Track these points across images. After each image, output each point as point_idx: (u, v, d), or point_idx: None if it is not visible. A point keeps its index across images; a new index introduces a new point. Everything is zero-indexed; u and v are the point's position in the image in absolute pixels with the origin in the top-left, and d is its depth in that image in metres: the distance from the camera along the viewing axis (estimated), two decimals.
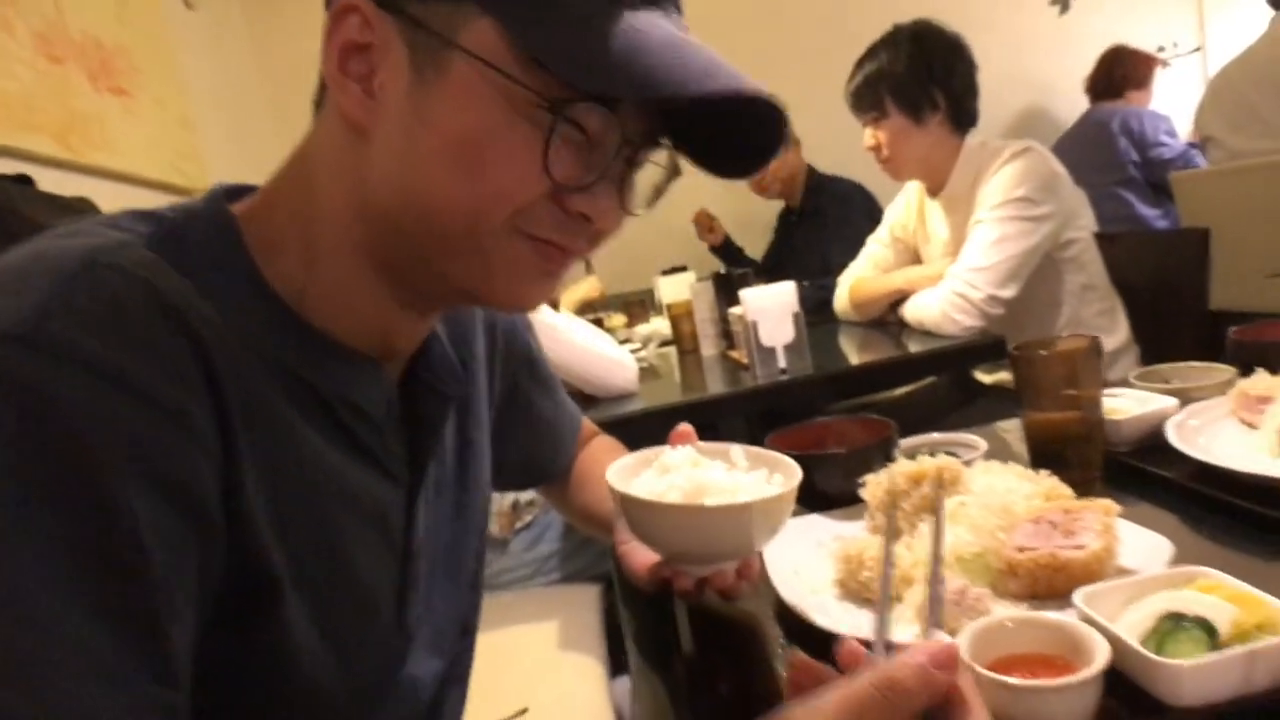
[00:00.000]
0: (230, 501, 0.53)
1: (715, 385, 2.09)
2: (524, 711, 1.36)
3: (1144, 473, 0.95)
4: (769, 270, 3.36)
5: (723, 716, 0.72)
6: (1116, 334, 2.07)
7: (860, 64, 2.15)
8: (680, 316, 2.51)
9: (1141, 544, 0.72)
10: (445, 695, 0.80)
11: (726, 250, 3.74)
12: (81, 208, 1.61)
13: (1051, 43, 4.19)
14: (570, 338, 1.93)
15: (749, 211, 3.78)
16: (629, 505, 0.75)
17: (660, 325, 2.91)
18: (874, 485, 0.87)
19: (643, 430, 1.82)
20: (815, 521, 0.94)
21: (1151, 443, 1.00)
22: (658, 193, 0.69)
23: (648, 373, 2.36)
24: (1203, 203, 2.91)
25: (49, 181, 1.57)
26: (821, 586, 0.79)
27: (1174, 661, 0.52)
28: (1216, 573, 0.60)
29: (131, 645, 0.45)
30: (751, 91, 0.58)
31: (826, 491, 0.96)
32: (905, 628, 0.69)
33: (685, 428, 0.85)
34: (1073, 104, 3.89)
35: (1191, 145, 3.42)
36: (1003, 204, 1.95)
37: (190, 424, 0.50)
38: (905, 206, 2.38)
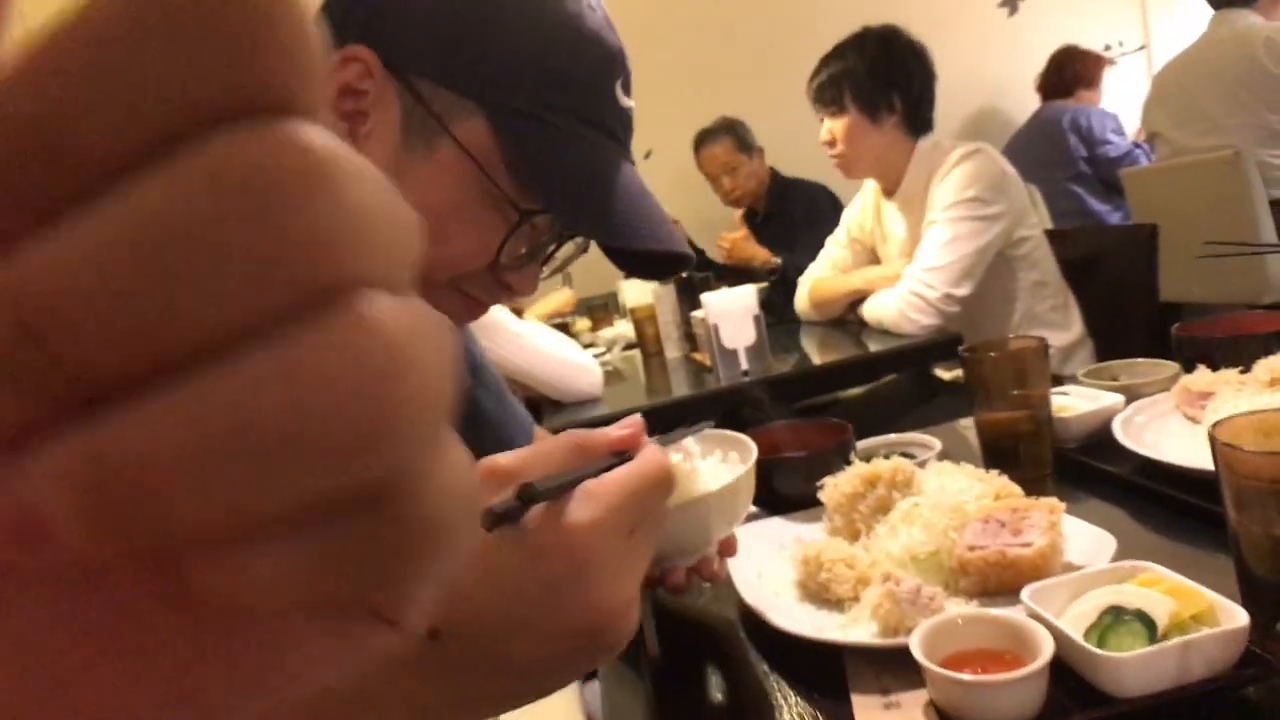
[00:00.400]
0: None
1: (680, 387, 2.11)
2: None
3: (1091, 469, 0.98)
4: (731, 271, 3.38)
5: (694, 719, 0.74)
6: (1071, 329, 2.12)
7: (825, 61, 2.19)
8: (644, 320, 2.52)
9: (1087, 540, 0.75)
10: None
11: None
12: None
13: (1002, 44, 4.27)
14: (534, 344, 1.93)
15: (710, 214, 3.80)
16: None
17: (624, 329, 2.92)
18: (832, 488, 0.89)
19: None
20: (776, 524, 0.95)
21: (1099, 439, 1.02)
22: (565, 263, 0.81)
23: (613, 376, 2.37)
24: (1151, 198, 2.99)
25: None
26: (783, 589, 0.81)
27: (1114, 654, 0.55)
28: (1156, 566, 0.63)
29: None
30: (681, 254, 0.73)
31: (787, 494, 0.98)
32: (864, 627, 0.71)
33: (634, 419, 0.87)
34: (1024, 103, 3.97)
35: (1137, 145, 3.51)
36: (954, 204, 1.99)
37: None
38: (862, 207, 2.41)
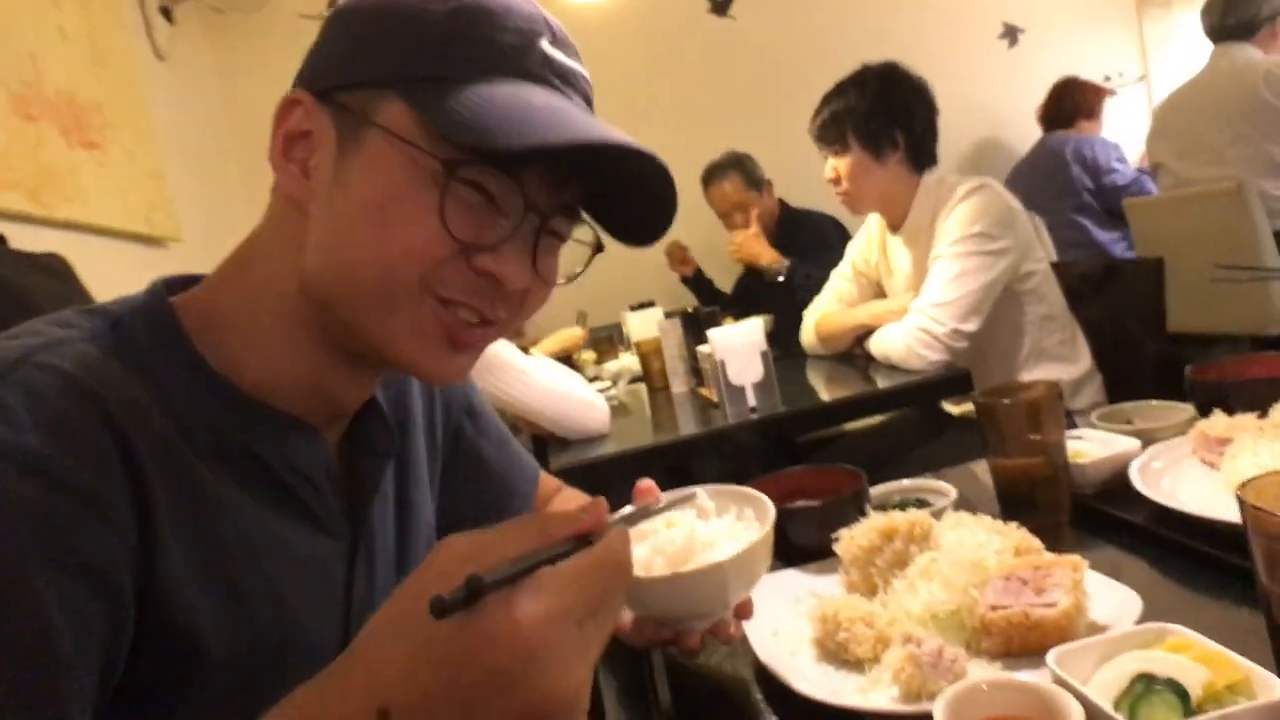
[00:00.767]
0: (146, 581, 0.56)
1: (686, 423, 2.10)
2: None
3: (1110, 517, 0.96)
4: (738, 303, 3.37)
5: None
6: (1079, 362, 2.11)
7: (827, 99, 2.20)
8: (649, 354, 2.51)
9: (1111, 599, 0.73)
10: None
11: (698, 282, 3.75)
12: (53, 264, 1.59)
13: (1002, 75, 4.30)
14: (540, 380, 1.92)
15: (719, 244, 3.81)
16: None
17: (629, 361, 2.91)
18: (847, 541, 0.88)
19: (616, 473, 1.81)
20: (790, 577, 0.94)
21: (1116, 485, 1.01)
22: (582, 269, 0.77)
23: (618, 411, 2.36)
24: (1155, 228, 2.99)
25: (22, 238, 1.57)
26: (800, 647, 0.79)
27: None
28: (1186, 630, 0.61)
29: None
30: (620, 141, 0.64)
31: (800, 544, 0.96)
32: (884, 691, 0.69)
33: (646, 484, 0.86)
34: (1025, 133, 3.99)
35: (1142, 171, 3.52)
36: (961, 239, 1.99)
37: (102, 505, 0.54)
38: (867, 241, 2.41)
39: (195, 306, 0.68)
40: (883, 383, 2.04)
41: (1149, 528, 0.91)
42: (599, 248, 0.75)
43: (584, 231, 0.74)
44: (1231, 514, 0.83)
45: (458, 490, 0.99)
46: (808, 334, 2.47)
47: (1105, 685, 0.60)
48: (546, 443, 2.02)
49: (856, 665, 0.74)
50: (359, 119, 0.64)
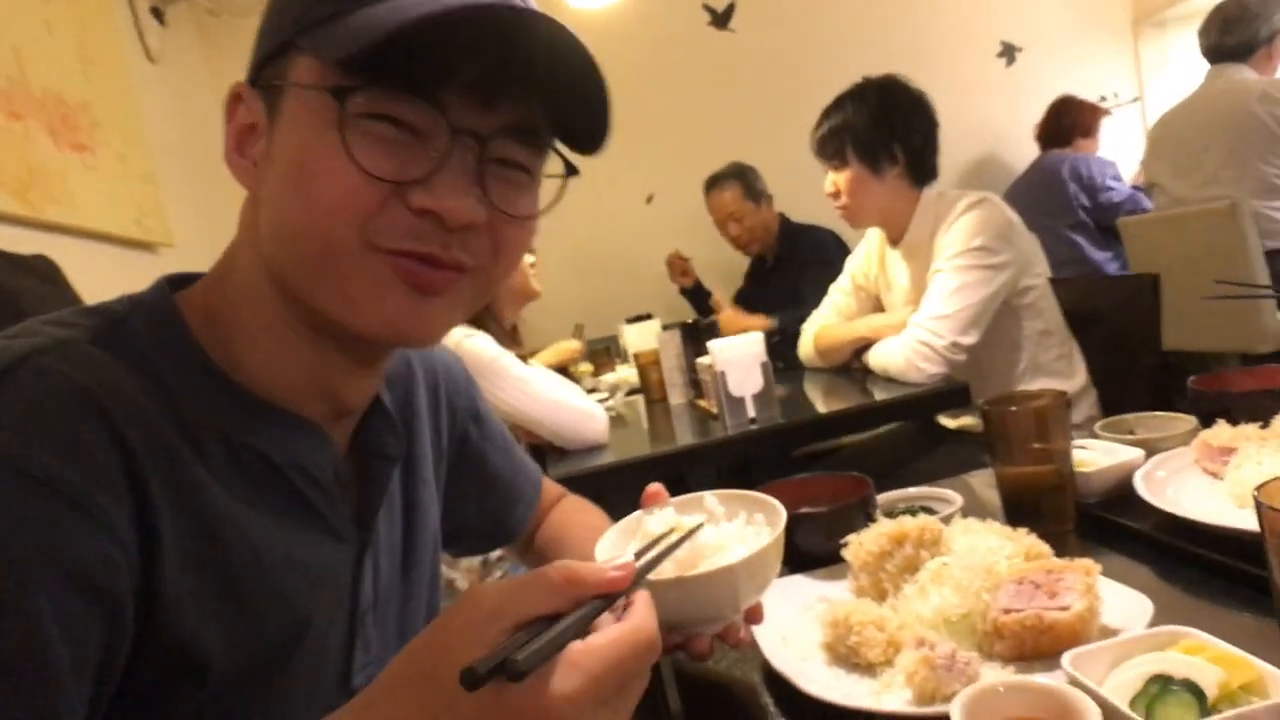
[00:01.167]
0: (147, 593, 0.55)
1: (684, 435, 2.10)
2: None
3: (1116, 525, 0.97)
4: None
5: None
6: (1075, 377, 2.12)
7: (827, 114, 2.21)
8: (647, 365, 2.52)
9: (1123, 603, 0.73)
10: None
11: (697, 293, 3.77)
12: (41, 266, 1.57)
13: (1000, 92, 4.34)
14: (539, 390, 1.92)
15: (718, 257, 3.83)
16: None
17: (627, 373, 2.91)
18: (856, 546, 0.88)
19: (614, 483, 1.81)
20: (798, 582, 0.94)
21: (1120, 494, 1.02)
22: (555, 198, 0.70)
23: (616, 422, 2.36)
24: (1150, 247, 3.01)
25: (8, 239, 1.55)
26: (810, 652, 0.79)
27: None
28: (1200, 633, 0.62)
29: None
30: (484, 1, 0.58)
31: (807, 551, 0.97)
32: (897, 694, 0.69)
33: (655, 488, 0.85)
34: (1022, 151, 4.03)
35: (1136, 189, 3.55)
36: (961, 253, 2.00)
37: (101, 515, 0.52)
38: (866, 255, 2.42)
39: (197, 304, 0.67)
40: (881, 395, 2.05)
41: (1155, 535, 0.91)
42: (571, 170, 0.70)
43: (557, 166, 0.70)
44: (1238, 521, 0.84)
45: (462, 496, 0.98)
46: (806, 347, 2.48)
47: (1120, 687, 0.60)
48: (545, 452, 2.02)
49: (868, 669, 0.74)
50: (279, 89, 0.62)
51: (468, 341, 1.86)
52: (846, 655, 0.76)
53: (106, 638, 0.52)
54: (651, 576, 0.68)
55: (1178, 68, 4.30)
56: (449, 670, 0.44)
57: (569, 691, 0.45)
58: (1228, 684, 0.56)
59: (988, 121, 4.27)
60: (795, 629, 0.83)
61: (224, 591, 0.60)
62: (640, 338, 3.06)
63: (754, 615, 0.76)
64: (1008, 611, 0.71)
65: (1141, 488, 0.97)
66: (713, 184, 3.57)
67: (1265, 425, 0.99)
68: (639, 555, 0.63)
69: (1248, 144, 2.86)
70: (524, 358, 2.09)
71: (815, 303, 2.57)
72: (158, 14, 3.18)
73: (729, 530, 0.74)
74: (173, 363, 0.62)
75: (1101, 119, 3.77)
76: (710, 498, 0.79)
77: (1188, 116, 3.06)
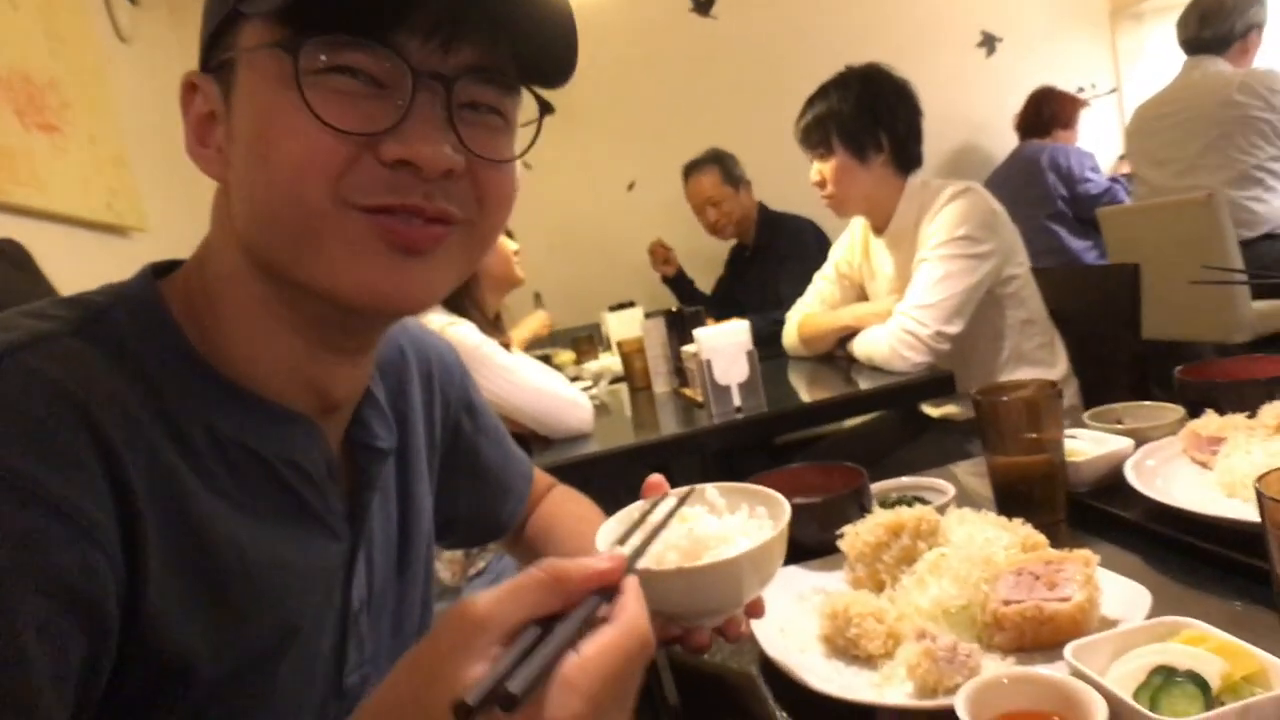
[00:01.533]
0: (133, 603, 0.53)
1: (669, 423, 2.09)
2: None
3: (1108, 515, 0.97)
4: (718, 304, 3.39)
5: None
6: (1057, 366, 2.14)
7: (811, 102, 2.21)
8: (632, 354, 2.51)
9: (1121, 593, 0.74)
10: None
11: (679, 282, 3.77)
12: (9, 250, 1.54)
13: (980, 83, 4.36)
14: (523, 379, 1.91)
15: (699, 245, 3.82)
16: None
17: (610, 362, 2.90)
18: (853, 537, 0.88)
19: (599, 472, 1.81)
20: (793, 573, 0.94)
21: (1109, 483, 1.02)
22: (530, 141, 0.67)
23: (599, 411, 2.35)
24: (1127, 237, 3.04)
25: None
26: (808, 644, 0.79)
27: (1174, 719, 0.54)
28: (1201, 624, 0.62)
29: None
30: None
31: (801, 541, 0.96)
32: (898, 686, 0.69)
33: (656, 479, 0.84)
34: (1002, 141, 4.05)
35: (1114, 180, 3.58)
36: (946, 243, 2.01)
37: (84, 523, 0.50)
38: (850, 243, 2.43)
39: (179, 293, 0.64)
40: (866, 384, 2.05)
41: (1146, 525, 0.92)
42: (545, 108, 0.67)
43: (531, 112, 0.67)
44: (1229, 511, 0.85)
45: (454, 488, 0.97)
46: (790, 335, 2.48)
47: (1122, 678, 0.60)
48: (529, 441, 2.01)
49: (867, 661, 0.74)
50: (230, 65, 0.59)
51: (450, 330, 1.85)
52: (845, 647, 0.76)
53: (89, 647, 0.50)
54: (655, 567, 0.68)
55: (1154, 59, 4.34)
56: (439, 691, 0.43)
57: (567, 716, 0.44)
58: (1231, 675, 0.56)
59: (967, 111, 4.28)
60: (791, 620, 0.83)
61: (210, 596, 0.58)
62: (623, 326, 3.05)
63: (755, 609, 0.75)
64: (1007, 603, 0.71)
65: (1132, 477, 0.97)
66: (691, 169, 3.58)
67: (1252, 415, 0.99)
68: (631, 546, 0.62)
69: (1225, 134, 2.89)
70: (507, 346, 2.07)
71: (792, 299, 2.57)
72: None
73: (732, 523, 0.73)
74: (157, 355, 0.60)
75: (1080, 110, 3.80)
76: (712, 490, 0.78)
77: (1166, 107, 3.09)
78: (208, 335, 0.63)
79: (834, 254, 2.49)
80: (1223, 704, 0.55)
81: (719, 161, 3.52)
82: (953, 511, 0.91)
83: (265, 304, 0.63)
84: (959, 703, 0.60)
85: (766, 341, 2.54)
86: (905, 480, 1.11)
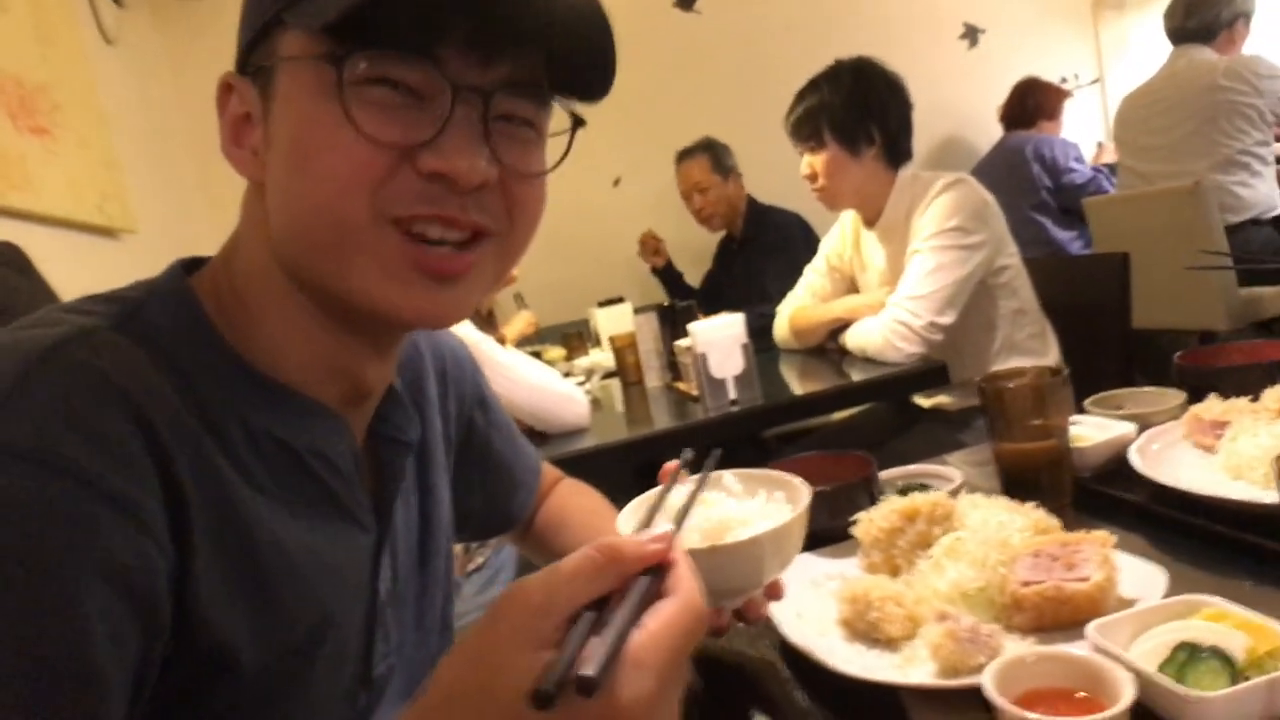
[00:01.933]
0: (180, 592, 0.53)
1: (662, 417, 2.09)
2: None
3: (1115, 499, 0.98)
4: (706, 297, 3.40)
5: None
6: (1048, 356, 2.15)
7: (801, 95, 2.21)
8: (624, 349, 2.50)
9: (1138, 573, 0.75)
10: None
11: (668, 274, 3.77)
12: (8, 254, 1.52)
13: (963, 75, 4.38)
14: (520, 375, 1.91)
15: (687, 239, 3.83)
16: None
17: (601, 357, 2.90)
18: (867, 523, 0.88)
19: (596, 466, 1.80)
20: (805, 560, 0.94)
21: (1113, 468, 1.04)
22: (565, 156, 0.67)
23: (592, 406, 2.34)
24: (1113, 226, 3.07)
25: None
26: (827, 628, 0.79)
27: (1204, 694, 0.54)
28: (1221, 601, 0.63)
29: None
30: None
31: (812, 529, 0.97)
32: (921, 667, 0.70)
33: (674, 465, 0.85)
34: (986, 132, 4.07)
35: (1098, 170, 3.61)
36: (938, 234, 2.02)
37: (139, 513, 0.50)
38: (841, 236, 2.43)
39: (208, 288, 0.65)
40: (859, 375, 2.06)
41: (1153, 508, 0.93)
42: (578, 123, 0.68)
43: (560, 122, 0.68)
44: (1237, 493, 0.86)
45: (466, 482, 0.97)
46: (781, 328, 2.48)
47: (1145, 655, 0.61)
48: (526, 436, 2.01)
49: (888, 644, 0.75)
50: (269, 71, 0.60)
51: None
52: (866, 631, 0.76)
53: (143, 638, 0.50)
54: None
55: (1137, 50, 4.37)
56: (507, 680, 0.43)
57: (643, 695, 0.44)
58: (1255, 650, 0.57)
59: (951, 103, 4.30)
60: (808, 606, 0.84)
61: (252, 588, 0.58)
62: (612, 321, 3.05)
63: (774, 591, 0.76)
64: (1026, 584, 0.72)
65: (1137, 461, 0.98)
66: (682, 156, 3.62)
67: (1255, 399, 1.01)
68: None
69: (1210, 119, 2.92)
70: (502, 342, 2.07)
71: (780, 294, 2.58)
72: None
73: (752, 506, 0.73)
74: (191, 349, 0.60)
75: (1064, 101, 3.83)
76: (729, 476, 0.78)
77: (1152, 95, 3.12)
78: (237, 329, 0.63)
79: (824, 247, 2.50)
80: (1248, 679, 0.56)
81: (710, 149, 3.54)
82: (964, 496, 0.92)
83: (296, 302, 0.63)
84: (986, 680, 0.60)
85: (754, 335, 2.54)
86: (911, 468, 1.12)
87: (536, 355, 2.92)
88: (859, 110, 2.13)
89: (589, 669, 0.41)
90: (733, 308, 2.58)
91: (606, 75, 0.65)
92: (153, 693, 0.53)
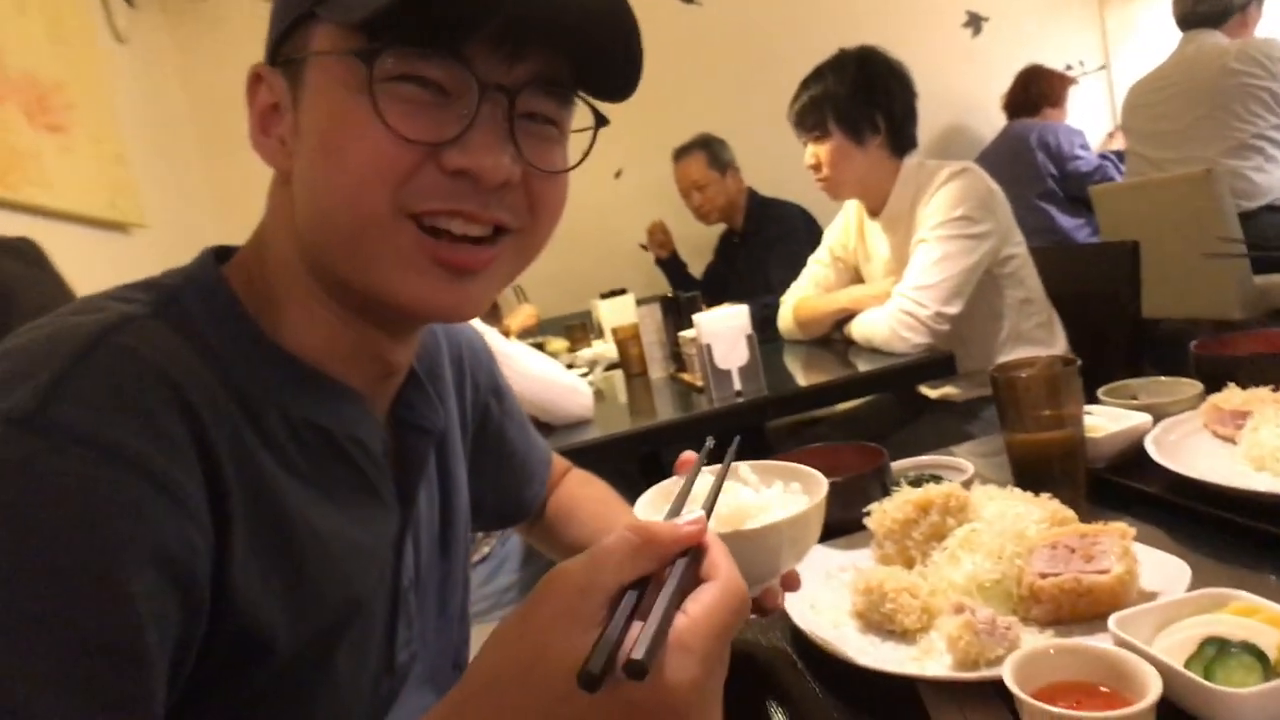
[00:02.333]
0: (219, 576, 0.54)
1: (666, 409, 2.08)
2: None
3: (1130, 490, 0.96)
4: (707, 289, 3.37)
5: None
6: (1055, 345, 2.14)
7: (806, 85, 2.19)
8: (627, 340, 2.49)
9: (1159, 566, 0.73)
10: None
11: (672, 265, 3.76)
12: (25, 248, 1.51)
13: (967, 63, 4.34)
14: (525, 366, 1.90)
15: (688, 231, 3.80)
16: None
17: (604, 349, 2.88)
18: (880, 514, 0.87)
19: (600, 457, 1.79)
20: (818, 551, 0.92)
21: (1127, 459, 1.02)
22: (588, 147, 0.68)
23: (595, 397, 2.33)
24: (1122, 214, 3.04)
25: None
26: (841, 619, 0.78)
27: (1236, 690, 0.53)
28: (1250, 595, 0.61)
29: None
30: None
31: (825, 521, 0.95)
32: (938, 659, 0.68)
33: (689, 455, 0.84)
34: (990, 120, 4.04)
35: (1104, 158, 3.58)
36: (944, 223, 2.00)
37: (184, 497, 0.51)
38: (845, 226, 2.41)
39: (239, 276, 0.66)
40: (865, 366, 2.04)
41: (1172, 499, 0.91)
42: (601, 121, 0.68)
43: (583, 119, 0.68)
44: (1260, 484, 0.84)
45: (482, 470, 0.97)
46: (785, 319, 2.47)
47: (1170, 649, 0.60)
48: None
49: (903, 636, 0.74)
50: (300, 63, 0.61)
51: None
52: (880, 622, 0.75)
53: (185, 621, 0.51)
54: None
55: (1144, 36, 4.33)
56: (553, 661, 0.43)
57: (688, 679, 0.44)
58: None
59: (955, 92, 4.27)
60: (821, 597, 0.82)
61: (288, 571, 0.59)
62: (615, 313, 3.03)
63: (791, 581, 0.76)
64: (1044, 576, 0.70)
65: (1154, 452, 0.97)
66: (679, 154, 3.59)
67: (1277, 388, 0.99)
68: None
69: (1223, 104, 2.88)
70: (506, 333, 2.06)
71: (782, 285, 2.56)
72: None
73: (769, 495, 0.73)
74: (227, 336, 0.61)
75: (1069, 88, 3.79)
76: (745, 467, 0.78)
77: (1163, 81, 3.08)
78: (267, 316, 0.64)
79: (828, 237, 2.48)
80: None
81: (706, 146, 3.51)
82: (978, 488, 0.90)
83: (319, 292, 0.64)
84: (1006, 673, 0.59)
85: (758, 326, 2.52)
86: (922, 459, 1.10)
87: (540, 347, 2.91)
88: (864, 99, 2.11)
89: (639, 653, 0.41)
90: (736, 300, 2.57)
91: (632, 75, 0.65)
92: (191, 676, 0.53)
